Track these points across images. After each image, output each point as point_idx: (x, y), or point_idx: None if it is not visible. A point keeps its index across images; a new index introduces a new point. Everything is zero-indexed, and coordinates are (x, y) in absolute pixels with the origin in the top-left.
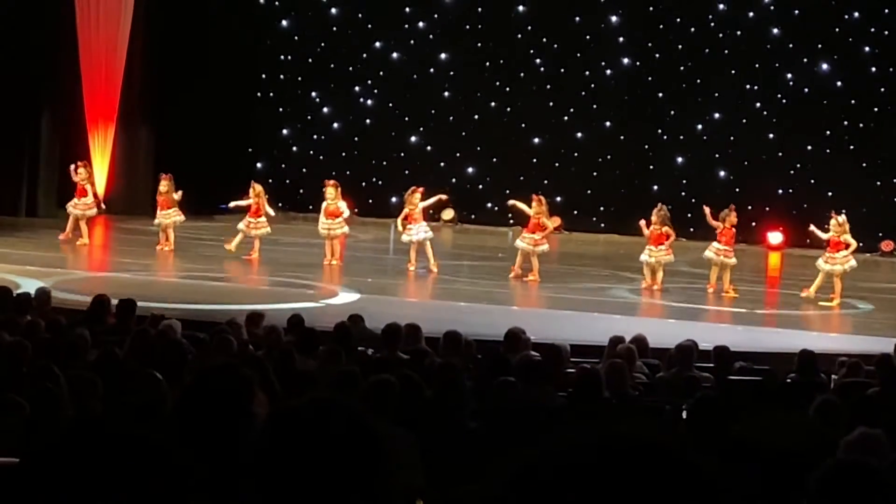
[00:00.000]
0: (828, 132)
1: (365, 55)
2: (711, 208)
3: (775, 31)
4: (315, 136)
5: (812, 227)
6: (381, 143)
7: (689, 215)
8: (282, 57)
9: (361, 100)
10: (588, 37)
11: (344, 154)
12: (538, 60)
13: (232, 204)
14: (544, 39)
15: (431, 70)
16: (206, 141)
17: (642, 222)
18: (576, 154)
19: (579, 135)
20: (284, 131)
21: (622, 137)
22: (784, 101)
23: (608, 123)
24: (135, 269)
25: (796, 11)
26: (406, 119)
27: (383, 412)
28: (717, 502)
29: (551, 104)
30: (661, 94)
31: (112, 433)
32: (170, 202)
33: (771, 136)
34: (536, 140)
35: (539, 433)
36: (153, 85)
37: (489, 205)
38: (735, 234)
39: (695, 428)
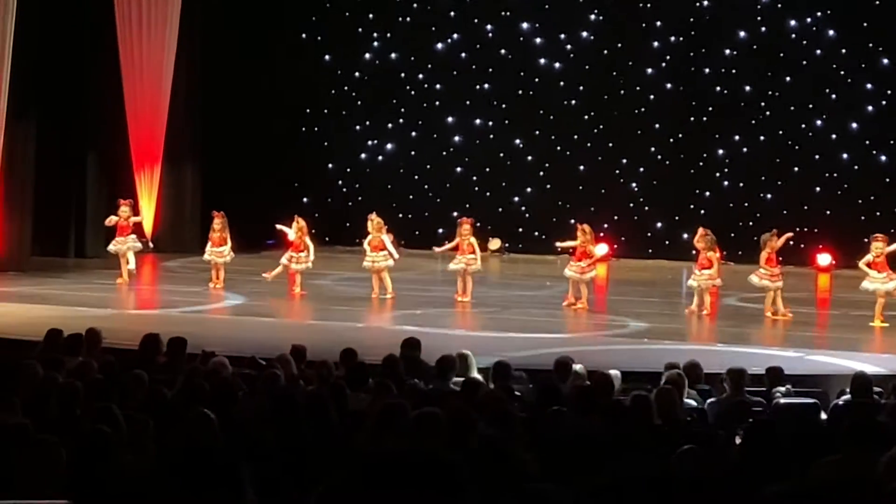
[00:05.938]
0: (874, 151)
1: (408, 87)
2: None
3: (818, 51)
4: (360, 170)
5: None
6: (426, 175)
7: (733, 237)
8: (325, 91)
9: (405, 132)
10: (630, 63)
11: (389, 186)
12: (581, 87)
13: (278, 227)
14: (587, 67)
15: (474, 101)
16: (252, 177)
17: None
18: (621, 180)
19: (624, 161)
20: (330, 165)
21: (667, 162)
22: (829, 121)
23: (653, 149)
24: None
25: (839, 32)
26: (451, 150)
27: (432, 445)
28: None
29: (595, 131)
30: (705, 119)
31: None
32: (222, 239)
33: (817, 157)
34: (581, 167)
35: (591, 462)
36: (198, 123)
37: (536, 233)
38: (777, 258)
39: (748, 453)
